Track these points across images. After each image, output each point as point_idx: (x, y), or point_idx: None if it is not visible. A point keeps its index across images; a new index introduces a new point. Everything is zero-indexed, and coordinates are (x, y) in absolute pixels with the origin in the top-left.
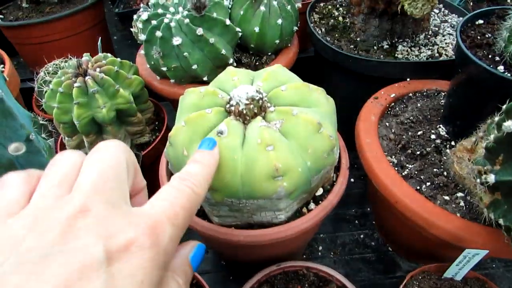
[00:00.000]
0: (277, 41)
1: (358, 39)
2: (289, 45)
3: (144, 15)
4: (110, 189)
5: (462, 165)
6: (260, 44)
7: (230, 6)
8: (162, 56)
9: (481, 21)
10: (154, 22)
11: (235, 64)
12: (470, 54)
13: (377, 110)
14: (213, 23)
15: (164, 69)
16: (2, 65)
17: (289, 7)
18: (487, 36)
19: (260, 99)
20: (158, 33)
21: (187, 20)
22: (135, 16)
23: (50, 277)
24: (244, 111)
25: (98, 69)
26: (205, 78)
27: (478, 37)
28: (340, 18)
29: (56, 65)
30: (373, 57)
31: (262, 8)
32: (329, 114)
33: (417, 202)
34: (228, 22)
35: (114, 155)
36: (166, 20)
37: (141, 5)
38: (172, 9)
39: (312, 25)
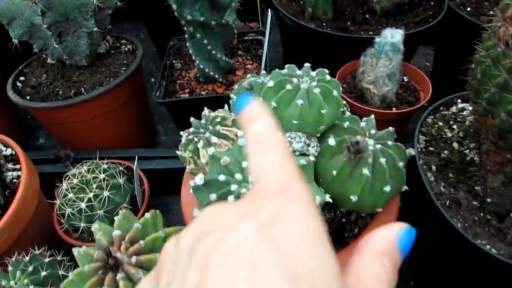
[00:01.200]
0: (379, 210)
1: (488, 199)
2: (390, 201)
3: (199, 179)
4: None
5: None
6: (354, 210)
7: (316, 153)
8: None
9: None
10: (213, 196)
11: None
12: None
13: None
14: None
15: None
16: (14, 164)
17: (400, 163)
18: None
19: None
20: None
21: None
22: (183, 137)
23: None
24: None
25: (134, 259)
26: None
27: None
28: (455, 145)
29: (81, 174)
30: None
31: (365, 172)
32: None
33: None
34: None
35: None
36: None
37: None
38: (238, 176)
39: (421, 162)
